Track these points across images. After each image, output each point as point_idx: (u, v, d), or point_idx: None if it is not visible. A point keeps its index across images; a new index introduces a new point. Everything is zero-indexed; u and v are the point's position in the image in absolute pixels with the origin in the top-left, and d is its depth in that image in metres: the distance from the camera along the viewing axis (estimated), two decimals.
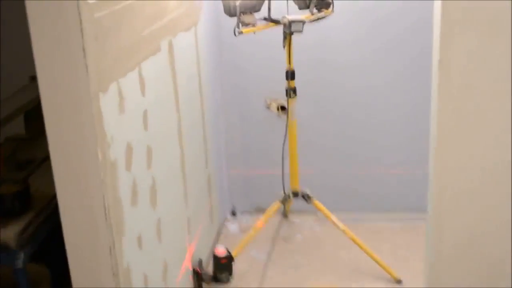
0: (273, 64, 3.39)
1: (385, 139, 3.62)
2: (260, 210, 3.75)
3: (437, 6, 1.78)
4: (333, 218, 3.19)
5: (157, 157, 2.29)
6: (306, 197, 3.20)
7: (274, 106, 3.53)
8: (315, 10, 2.94)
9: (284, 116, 3.49)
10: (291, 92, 3.01)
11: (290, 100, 3.02)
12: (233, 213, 3.80)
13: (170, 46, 2.50)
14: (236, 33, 2.75)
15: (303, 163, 3.26)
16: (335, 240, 3.38)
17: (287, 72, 2.99)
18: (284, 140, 3.09)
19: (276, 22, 2.85)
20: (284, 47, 2.93)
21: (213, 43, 3.38)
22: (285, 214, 3.65)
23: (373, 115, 3.59)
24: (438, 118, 1.87)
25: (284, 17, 2.84)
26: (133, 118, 2.07)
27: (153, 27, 2.28)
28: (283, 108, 3.51)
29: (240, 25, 2.75)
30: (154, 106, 2.28)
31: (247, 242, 3.18)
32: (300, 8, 2.95)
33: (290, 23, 2.81)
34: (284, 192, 3.19)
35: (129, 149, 2.02)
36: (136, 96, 2.09)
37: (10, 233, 2.11)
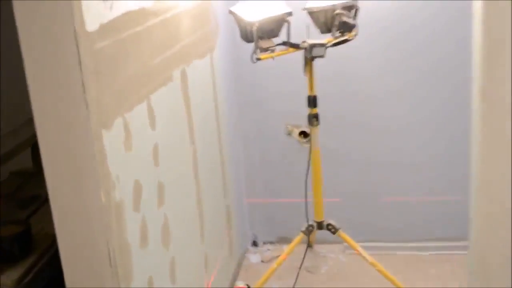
0: (294, 90, 3.26)
1: (413, 167, 3.46)
2: (283, 239, 3.61)
3: (478, 25, 1.62)
4: (360, 249, 3.02)
5: (169, 194, 2.16)
6: (331, 228, 3.04)
7: (295, 132, 3.40)
8: (337, 34, 2.79)
9: (305, 143, 3.36)
10: (313, 119, 2.85)
11: (312, 128, 2.87)
12: (255, 244, 3.64)
13: (184, 75, 2.37)
14: (254, 60, 2.61)
15: (327, 192, 3.11)
16: (363, 272, 3.20)
17: (309, 98, 2.84)
18: (308, 170, 2.93)
19: (296, 46, 2.71)
20: (304, 73, 2.78)
21: (231, 71, 3.25)
22: (309, 245, 3.47)
23: (401, 142, 3.43)
24: (481, 152, 1.71)
25: (304, 41, 2.69)
26: (142, 153, 1.94)
27: (164, 55, 2.15)
28: (304, 134, 3.37)
29: (258, 51, 2.61)
30: (166, 139, 2.15)
31: (269, 275, 3.03)
32: (321, 32, 2.80)
33: (311, 47, 2.67)
34: (308, 223, 3.02)
35: (137, 188, 1.89)
36: (145, 131, 1.96)
37: (8, 280, 1.97)
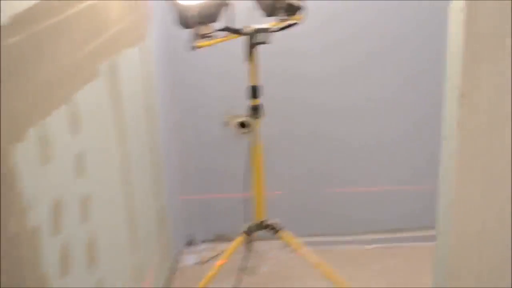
0: (233, 77, 3.00)
1: (360, 155, 3.27)
2: (221, 237, 3.37)
3: (456, 29, 1.40)
4: (304, 250, 2.81)
5: (96, 207, 1.86)
6: (272, 228, 2.81)
7: (234, 123, 3.13)
8: (283, 17, 2.53)
9: (244, 133, 3.10)
10: (255, 111, 2.59)
11: (254, 121, 2.60)
12: (191, 243, 3.37)
13: (112, 68, 2.06)
14: (192, 48, 2.32)
15: (269, 185, 2.86)
16: (306, 271, 2.99)
17: (250, 88, 2.57)
18: (249, 166, 2.67)
19: (238, 32, 2.42)
20: (247, 60, 2.50)
21: (165, 57, 2.95)
22: (249, 247, 3.22)
23: (347, 132, 3.22)
24: (458, 160, 1.51)
25: (247, 26, 2.41)
26: (63, 165, 1.63)
27: (89, 47, 1.83)
28: (243, 124, 3.11)
29: (197, 38, 2.31)
30: (92, 145, 1.84)
31: (206, 283, 2.77)
32: (266, 16, 2.53)
33: (254, 33, 2.39)
34: (249, 223, 2.77)
35: (57, 206, 1.58)
36: (65, 138, 1.65)
37: None
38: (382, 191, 3.31)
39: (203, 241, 3.39)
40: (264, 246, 3.29)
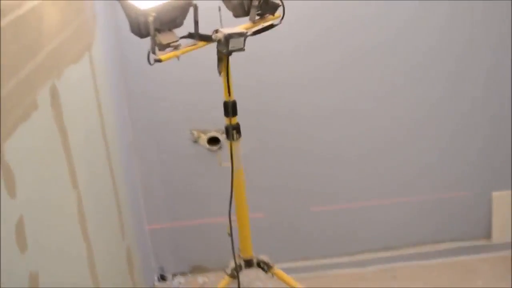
0: (200, 86, 2.60)
1: (346, 171, 2.93)
2: (197, 268, 2.98)
3: None
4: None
5: (48, 278, 1.43)
6: (263, 266, 2.41)
7: (203, 139, 2.73)
8: (257, 17, 2.12)
9: (216, 150, 2.70)
10: (233, 131, 2.17)
11: (233, 143, 2.18)
12: (162, 278, 2.95)
13: (54, 93, 1.62)
14: (151, 61, 1.89)
15: (250, 207, 2.45)
16: None
17: (226, 105, 2.15)
18: (231, 196, 2.24)
19: (207, 39, 2.00)
20: (219, 72, 2.09)
21: (119, 67, 2.52)
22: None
23: (332, 143, 2.85)
24: None
25: (217, 30, 1.99)
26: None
27: (20, 75, 1.40)
28: (214, 140, 2.71)
29: (157, 49, 1.88)
30: (35, 203, 1.41)
31: None
32: (236, 16, 2.12)
33: (227, 38, 1.96)
34: (235, 261, 2.36)
35: None
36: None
37: None
38: (376, 205, 2.95)
39: (178, 274, 2.97)
40: (248, 275, 2.89)
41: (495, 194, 2.99)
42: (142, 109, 2.69)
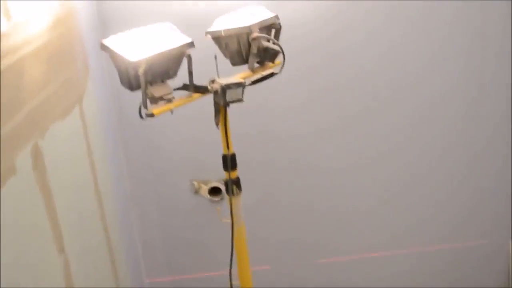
0: (200, 134, 2.48)
1: (351, 222, 2.85)
2: None
3: None
4: None
5: None
6: None
7: (204, 190, 2.60)
8: (257, 65, 2.01)
9: (218, 201, 2.57)
10: (233, 186, 2.04)
11: (233, 198, 2.05)
12: None
13: (37, 154, 1.51)
14: (143, 116, 1.77)
15: (252, 258, 2.30)
16: None
17: (224, 158, 2.02)
18: (231, 254, 2.10)
19: (203, 90, 1.88)
20: (217, 124, 1.96)
21: (111, 121, 2.41)
22: None
23: (332, 198, 2.73)
24: None
25: (213, 81, 1.88)
26: None
27: None
28: (215, 190, 2.59)
29: (149, 102, 1.76)
30: (15, 272, 1.29)
31: None
32: (234, 64, 2.00)
33: (224, 89, 1.84)
34: None
35: None
36: None
37: None
38: (387, 256, 2.81)
39: None
40: None
41: None
42: (140, 160, 2.59)
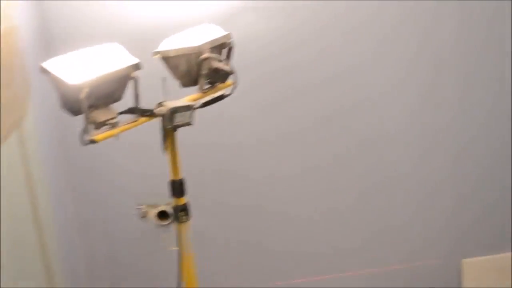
0: (146, 155, 2.38)
1: (306, 246, 2.75)
2: None
3: None
4: None
5: None
6: None
7: (152, 214, 2.50)
8: (207, 86, 1.92)
9: (165, 226, 2.47)
10: (181, 213, 1.94)
11: (180, 225, 1.95)
12: None
13: None
14: (85, 142, 1.66)
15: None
16: None
17: (173, 184, 1.92)
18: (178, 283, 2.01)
19: (149, 114, 1.78)
20: (164, 148, 1.87)
21: (55, 141, 2.29)
22: None
23: (293, 221, 2.66)
24: None
25: (161, 104, 1.78)
26: None
27: None
28: (164, 214, 2.49)
29: (91, 127, 1.65)
30: None
31: None
32: (183, 85, 1.92)
33: (172, 112, 1.75)
34: None
35: None
36: None
37: None
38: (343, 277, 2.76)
39: None
40: None
41: (465, 261, 2.83)
42: (84, 184, 2.47)
